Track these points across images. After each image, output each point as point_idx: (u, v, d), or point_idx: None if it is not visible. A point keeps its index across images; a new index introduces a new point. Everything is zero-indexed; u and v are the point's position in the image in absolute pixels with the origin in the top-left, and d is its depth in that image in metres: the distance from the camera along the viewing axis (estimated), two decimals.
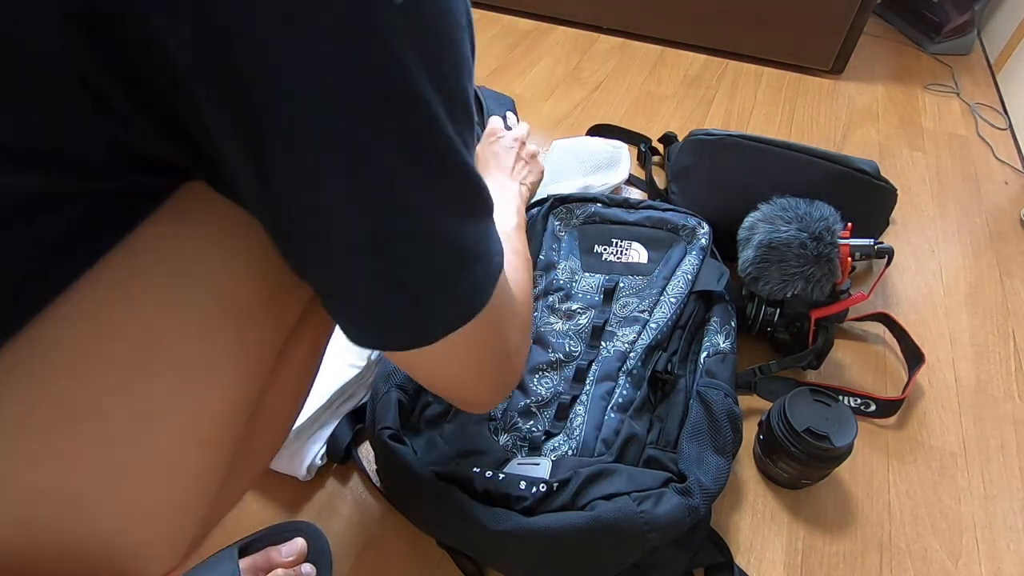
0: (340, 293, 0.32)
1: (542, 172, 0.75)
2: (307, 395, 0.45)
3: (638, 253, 0.77)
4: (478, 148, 0.72)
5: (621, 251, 0.77)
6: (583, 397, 0.63)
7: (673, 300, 0.70)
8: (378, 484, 0.65)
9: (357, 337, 0.33)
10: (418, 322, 0.32)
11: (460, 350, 0.35)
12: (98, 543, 0.29)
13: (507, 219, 0.58)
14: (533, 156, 0.74)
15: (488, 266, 0.33)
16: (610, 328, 0.69)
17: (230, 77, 0.22)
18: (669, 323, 0.68)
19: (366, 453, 0.68)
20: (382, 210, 0.27)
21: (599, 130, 1.17)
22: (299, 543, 0.58)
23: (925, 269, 0.95)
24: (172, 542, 0.32)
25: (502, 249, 0.35)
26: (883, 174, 0.84)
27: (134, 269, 0.28)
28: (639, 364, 0.65)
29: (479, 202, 0.32)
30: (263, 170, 0.25)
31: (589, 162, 0.99)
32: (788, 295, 0.71)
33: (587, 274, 0.76)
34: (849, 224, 0.72)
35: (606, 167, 0.99)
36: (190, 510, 0.33)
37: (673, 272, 0.74)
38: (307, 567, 0.57)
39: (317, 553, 0.59)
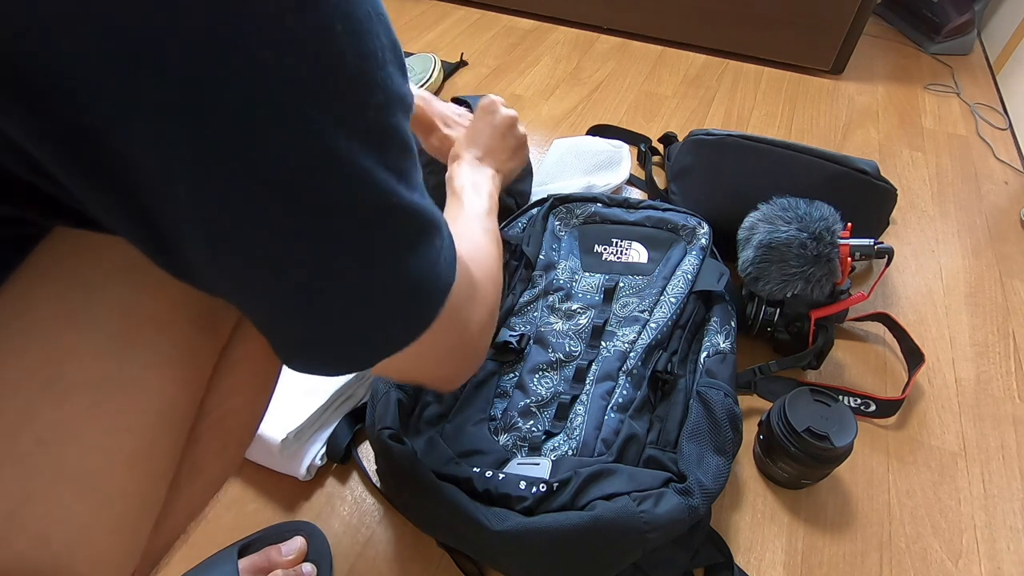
0: (269, 327, 0.31)
1: (525, 161, 0.73)
2: (268, 395, 0.43)
3: (638, 253, 0.77)
4: (471, 120, 0.70)
5: (621, 251, 0.77)
6: (583, 397, 0.63)
7: (673, 300, 0.70)
8: (378, 484, 0.65)
9: (291, 363, 0.33)
10: (359, 348, 0.32)
11: (412, 356, 0.34)
12: (24, 567, 0.28)
13: (478, 203, 0.58)
14: (521, 144, 0.71)
15: (436, 282, 0.33)
16: (610, 328, 0.69)
17: (114, 167, 0.22)
18: (669, 323, 0.68)
19: (366, 453, 0.68)
20: (318, 266, 0.27)
21: (599, 130, 1.17)
22: (299, 542, 0.59)
23: (925, 269, 0.95)
24: (115, 561, 0.31)
25: (453, 255, 0.35)
26: (883, 174, 0.84)
27: (31, 288, 0.28)
28: (639, 364, 0.65)
29: (425, 231, 0.31)
30: (208, 261, 0.26)
31: (590, 161, 0.99)
32: (788, 295, 0.71)
33: (587, 274, 0.76)
34: (849, 224, 0.72)
35: (607, 167, 0.99)
36: (128, 527, 0.32)
37: (673, 272, 0.74)
38: (308, 567, 0.57)
39: (317, 553, 0.59)
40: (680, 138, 1.03)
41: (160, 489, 0.34)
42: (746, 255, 0.74)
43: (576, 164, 0.99)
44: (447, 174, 0.64)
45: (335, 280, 0.28)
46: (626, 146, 1.03)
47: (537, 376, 0.66)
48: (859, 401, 0.75)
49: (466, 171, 0.62)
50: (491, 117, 0.68)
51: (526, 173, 0.94)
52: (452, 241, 0.35)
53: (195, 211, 0.24)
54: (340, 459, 0.66)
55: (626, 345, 0.67)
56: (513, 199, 0.98)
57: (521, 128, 0.71)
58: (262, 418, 0.43)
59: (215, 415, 0.38)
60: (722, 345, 0.66)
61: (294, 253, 0.26)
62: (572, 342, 0.68)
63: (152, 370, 0.31)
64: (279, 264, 0.26)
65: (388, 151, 0.27)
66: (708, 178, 0.89)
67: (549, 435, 0.61)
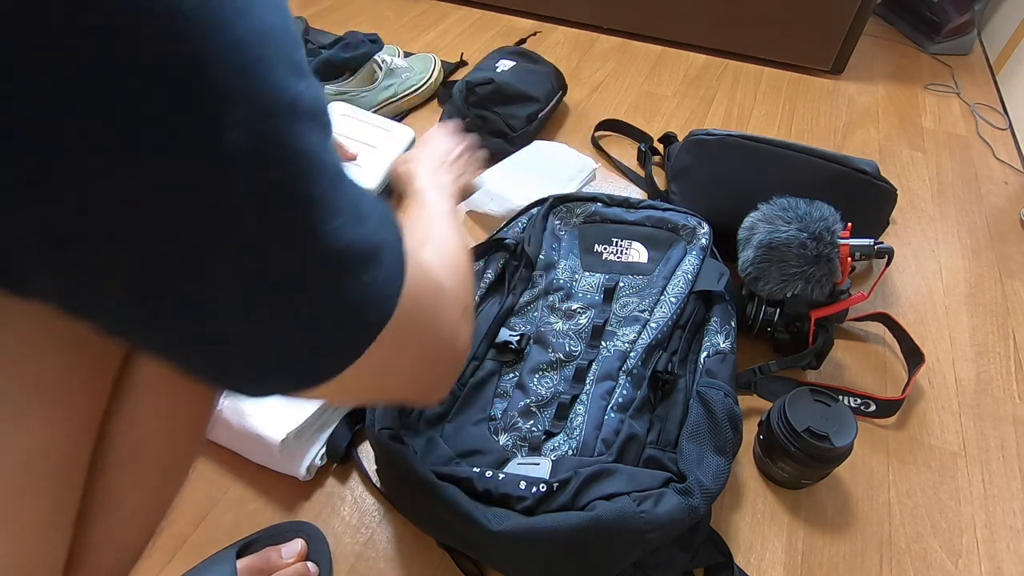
0: (174, 356, 0.28)
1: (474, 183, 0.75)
2: (192, 423, 0.40)
3: (638, 253, 0.77)
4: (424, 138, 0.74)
5: (621, 250, 0.77)
6: (583, 397, 0.63)
7: (673, 300, 0.70)
8: (378, 484, 0.65)
9: (225, 385, 0.29)
10: (307, 365, 0.29)
11: (378, 374, 0.31)
12: None
13: (441, 204, 0.58)
14: (465, 170, 0.73)
15: (364, 315, 0.29)
16: (610, 328, 0.69)
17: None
18: (669, 323, 0.68)
19: (366, 453, 0.68)
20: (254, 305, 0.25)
21: (606, 126, 1.18)
22: (299, 544, 0.58)
23: (925, 269, 0.95)
24: None
25: (401, 256, 0.31)
26: (883, 174, 0.84)
27: None
28: (639, 364, 0.65)
29: (365, 261, 0.28)
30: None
31: (553, 168, 1.00)
32: (788, 295, 0.71)
33: (587, 273, 0.76)
34: (849, 224, 0.72)
35: (567, 179, 0.99)
36: (24, 563, 0.30)
37: (673, 272, 0.74)
38: (311, 566, 0.57)
39: (317, 553, 0.59)
40: (680, 138, 1.03)
41: (65, 523, 0.32)
42: (746, 255, 0.74)
43: (540, 167, 1.00)
44: (400, 174, 0.66)
45: (249, 313, 0.25)
46: (597, 166, 1.02)
47: (537, 376, 0.66)
48: (859, 401, 0.75)
49: (424, 173, 0.64)
50: (439, 140, 0.73)
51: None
52: (398, 256, 0.31)
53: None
54: (340, 459, 0.66)
55: (626, 345, 0.67)
56: (507, 124, 1.07)
57: (462, 156, 0.75)
58: (194, 447, 0.40)
59: (124, 446, 0.35)
60: (722, 345, 0.66)
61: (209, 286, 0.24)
62: (572, 342, 0.68)
63: (34, 398, 0.28)
64: (194, 297, 0.24)
65: (326, 215, 0.26)
66: (708, 178, 0.89)
67: (549, 435, 0.61)
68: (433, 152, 0.71)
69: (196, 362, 0.27)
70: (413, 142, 1.02)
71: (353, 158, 0.89)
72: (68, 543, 0.33)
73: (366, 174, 0.92)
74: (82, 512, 0.34)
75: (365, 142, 0.96)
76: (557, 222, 0.81)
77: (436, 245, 0.47)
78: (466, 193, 0.73)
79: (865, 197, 0.83)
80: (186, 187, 0.21)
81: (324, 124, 0.25)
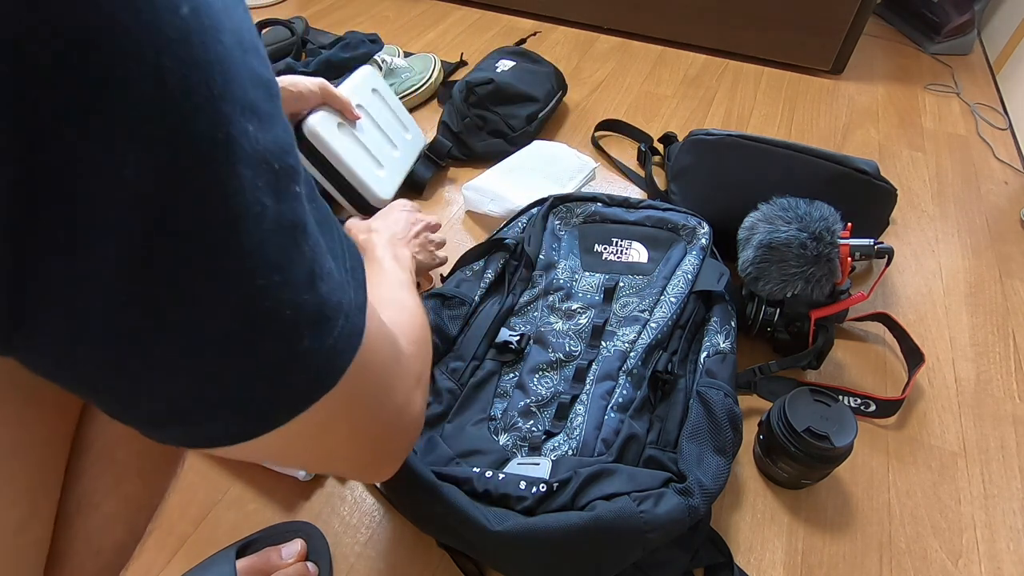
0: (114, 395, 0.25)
1: (434, 259, 0.79)
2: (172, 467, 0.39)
3: (638, 252, 0.77)
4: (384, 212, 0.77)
5: (621, 250, 0.77)
6: (583, 397, 0.63)
7: (673, 300, 0.70)
8: (377, 484, 0.65)
9: (147, 433, 0.27)
10: (215, 425, 0.26)
11: (302, 435, 0.28)
12: None
13: (400, 274, 0.58)
14: (437, 245, 0.79)
15: (346, 326, 0.28)
16: (610, 328, 0.69)
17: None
18: (669, 323, 0.68)
19: None
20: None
21: (606, 126, 1.18)
22: (298, 544, 0.58)
23: (925, 269, 0.95)
24: None
25: (359, 326, 0.29)
26: (883, 174, 0.84)
27: None
28: (639, 364, 0.65)
29: (304, 326, 0.25)
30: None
31: (552, 168, 1.00)
32: (788, 295, 0.71)
33: (587, 273, 0.76)
34: (849, 224, 0.72)
35: (566, 179, 0.99)
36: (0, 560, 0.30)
37: (673, 272, 0.74)
38: (310, 566, 0.57)
39: (316, 553, 0.59)
40: (680, 138, 1.03)
41: (23, 534, 0.31)
42: (746, 255, 0.74)
43: (543, 168, 1.00)
44: (360, 240, 0.67)
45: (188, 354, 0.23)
46: (595, 167, 1.01)
47: (537, 376, 0.66)
48: (859, 401, 0.75)
49: (384, 242, 0.66)
50: (400, 213, 0.75)
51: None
52: (354, 327, 0.28)
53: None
54: None
55: (626, 345, 0.67)
56: (507, 124, 1.07)
57: (439, 237, 0.79)
58: (175, 452, 0.39)
59: (98, 448, 0.35)
60: (722, 345, 0.66)
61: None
62: (572, 342, 0.68)
63: None
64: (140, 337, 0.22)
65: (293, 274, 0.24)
66: (708, 178, 0.89)
67: (549, 435, 0.61)
68: (394, 224, 0.72)
69: (102, 394, 0.25)
70: (423, 149, 1.02)
71: (357, 119, 0.89)
72: (47, 543, 0.33)
73: (383, 182, 0.91)
74: (61, 513, 0.34)
75: (384, 129, 0.95)
76: (557, 222, 0.81)
77: (396, 308, 0.45)
78: (422, 270, 0.76)
79: (865, 197, 0.83)
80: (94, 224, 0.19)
81: (275, 172, 0.23)
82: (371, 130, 0.92)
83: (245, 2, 0.23)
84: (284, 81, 0.77)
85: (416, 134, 1.02)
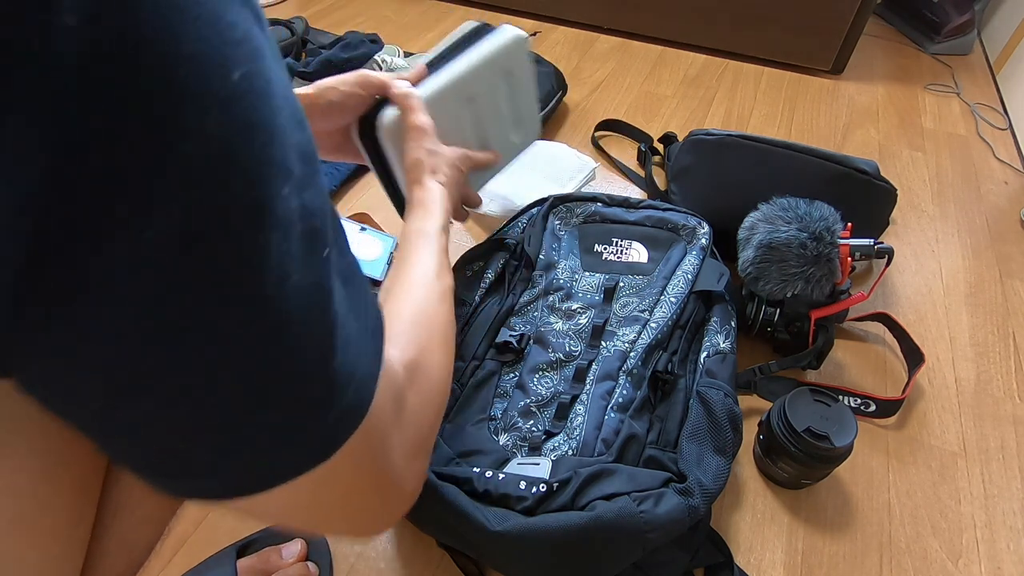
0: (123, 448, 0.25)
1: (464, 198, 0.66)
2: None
3: (638, 252, 0.77)
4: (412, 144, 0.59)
5: (621, 250, 0.77)
6: (583, 397, 0.63)
7: (673, 300, 0.70)
8: None
9: (152, 482, 0.26)
10: (241, 472, 0.25)
11: (304, 496, 0.28)
12: None
13: (428, 260, 0.47)
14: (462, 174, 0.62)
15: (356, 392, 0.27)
16: (610, 328, 0.69)
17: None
18: (669, 323, 0.68)
19: None
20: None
21: (606, 126, 1.18)
22: (298, 545, 0.59)
23: (925, 269, 0.95)
24: None
25: (367, 398, 0.28)
26: (883, 174, 0.84)
27: None
28: (639, 364, 0.65)
29: (313, 399, 0.25)
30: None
31: (552, 168, 1.00)
32: (788, 295, 0.71)
33: (587, 273, 0.76)
34: (849, 224, 0.72)
35: (566, 179, 0.98)
36: (45, 567, 0.31)
37: (673, 272, 0.74)
38: (311, 567, 0.57)
39: (316, 553, 0.59)
40: (680, 138, 1.03)
41: (67, 540, 0.33)
42: (746, 255, 0.74)
43: (540, 167, 0.99)
44: (419, 176, 0.56)
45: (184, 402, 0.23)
46: (595, 167, 1.01)
47: (537, 376, 0.66)
48: (859, 401, 0.75)
49: (443, 211, 0.54)
50: (428, 147, 0.59)
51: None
52: (362, 399, 0.27)
53: None
54: None
55: (626, 345, 0.67)
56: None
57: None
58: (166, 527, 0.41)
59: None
60: (722, 345, 0.66)
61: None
62: (572, 342, 0.68)
63: (28, 424, 0.28)
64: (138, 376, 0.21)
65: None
66: (708, 178, 0.89)
67: (549, 435, 0.61)
68: (455, 174, 0.60)
69: (108, 446, 0.25)
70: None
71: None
72: (85, 547, 0.34)
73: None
74: (98, 518, 0.36)
75: (467, 136, 0.69)
76: (557, 222, 0.81)
77: (424, 331, 0.39)
78: (467, 202, 0.64)
79: (865, 197, 0.83)
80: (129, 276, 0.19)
81: (305, 236, 0.22)
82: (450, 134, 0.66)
83: (287, 67, 0.23)
84: (326, 84, 0.64)
85: (530, 131, 0.80)
